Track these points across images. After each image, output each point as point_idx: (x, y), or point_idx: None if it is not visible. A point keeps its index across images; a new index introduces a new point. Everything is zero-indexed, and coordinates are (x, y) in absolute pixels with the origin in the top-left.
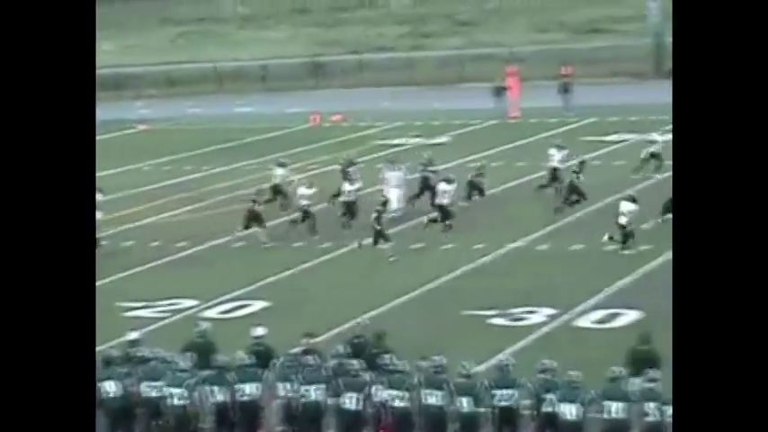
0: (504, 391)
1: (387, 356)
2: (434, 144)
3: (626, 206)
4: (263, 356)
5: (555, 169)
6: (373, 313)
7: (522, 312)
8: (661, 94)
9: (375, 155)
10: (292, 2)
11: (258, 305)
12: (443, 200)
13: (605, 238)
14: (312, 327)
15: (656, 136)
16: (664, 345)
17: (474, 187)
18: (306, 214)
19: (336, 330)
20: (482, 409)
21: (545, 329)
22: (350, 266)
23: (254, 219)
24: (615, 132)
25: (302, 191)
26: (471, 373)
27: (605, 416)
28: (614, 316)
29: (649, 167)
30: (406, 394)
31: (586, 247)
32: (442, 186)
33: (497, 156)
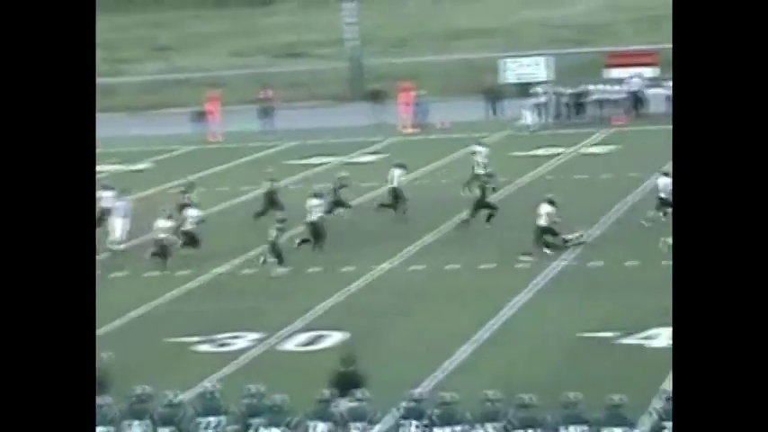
0: (211, 419)
1: None
2: (135, 171)
3: (545, 208)
4: None
5: (394, 189)
6: None
7: (227, 338)
8: (359, 116)
9: None
10: None
11: None
12: (313, 216)
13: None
14: None
15: (478, 148)
16: (368, 365)
17: (338, 202)
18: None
19: None
20: None
21: (250, 354)
22: None
23: None
24: (316, 155)
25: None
26: (176, 401)
27: None
28: (319, 338)
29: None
30: (110, 428)
31: (292, 270)
32: (312, 202)
33: (199, 181)
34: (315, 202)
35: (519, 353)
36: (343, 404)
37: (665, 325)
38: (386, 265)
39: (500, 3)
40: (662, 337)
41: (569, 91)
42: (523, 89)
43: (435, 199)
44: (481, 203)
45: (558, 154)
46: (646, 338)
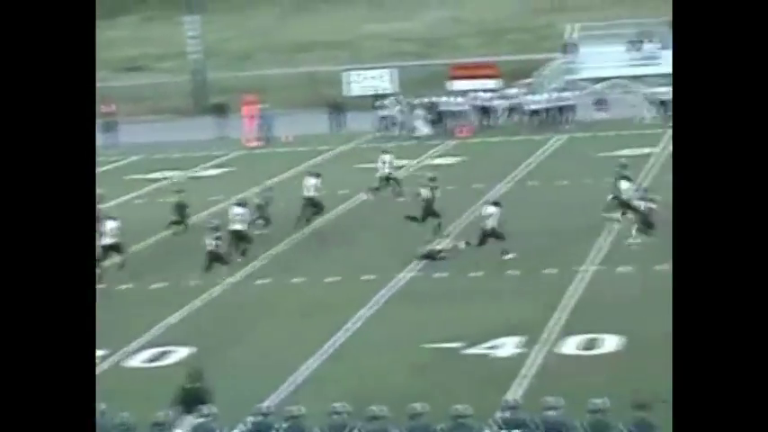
0: None
1: None
2: None
3: (489, 209)
4: None
5: (311, 198)
6: None
7: None
8: (203, 130)
9: None
10: None
11: None
12: (236, 225)
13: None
14: None
15: (386, 158)
16: (214, 380)
17: (262, 215)
18: None
19: None
20: None
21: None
22: None
23: None
24: (160, 170)
25: None
26: None
27: None
28: (165, 354)
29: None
30: None
31: (135, 287)
32: (235, 210)
33: None
34: (238, 210)
35: (366, 365)
36: (189, 421)
37: (509, 334)
38: (232, 279)
39: (344, 16)
40: (507, 347)
41: (417, 102)
42: (370, 101)
43: (281, 213)
44: (429, 210)
45: (403, 166)
46: (491, 348)
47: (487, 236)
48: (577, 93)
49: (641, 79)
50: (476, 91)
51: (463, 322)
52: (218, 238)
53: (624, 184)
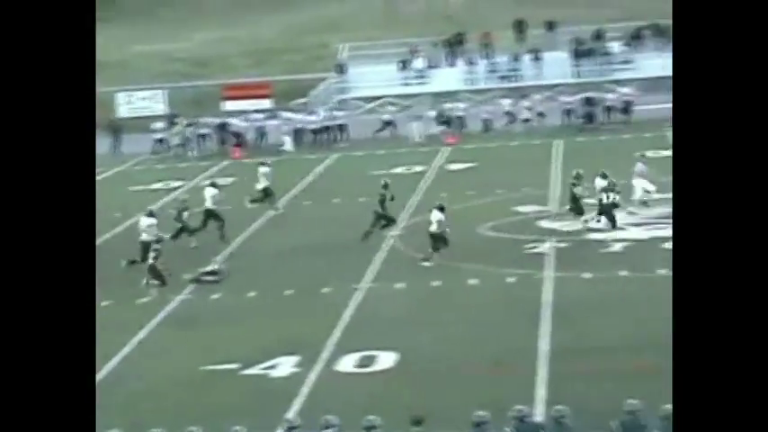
0: None
1: None
2: None
3: (436, 215)
4: None
5: (208, 209)
6: None
7: None
8: None
9: None
10: None
11: None
12: (144, 236)
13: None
14: None
15: (264, 169)
16: None
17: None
18: None
19: None
20: None
21: None
22: None
23: None
24: None
25: None
26: None
27: None
28: None
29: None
30: None
31: None
32: (145, 221)
33: None
34: (147, 221)
35: (141, 390)
36: None
37: (286, 354)
38: None
39: (113, 36)
40: (284, 366)
41: (202, 121)
42: (146, 122)
43: None
44: (381, 215)
45: (178, 187)
46: (268, 368)
47: (437, 240)
48: (349, 112)
49: (415, 98)
50: (249, 112)
51: (239, 343)
52: (157, 251)
53: (599, 182)
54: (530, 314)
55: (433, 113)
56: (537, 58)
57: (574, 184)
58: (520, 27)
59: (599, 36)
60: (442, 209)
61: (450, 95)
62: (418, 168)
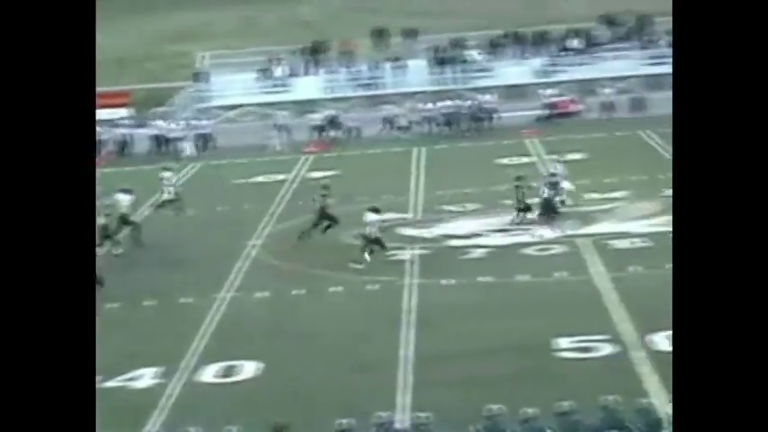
0: None
1: None
2: None
3: (370, 217)
4: None
5: (123, 215)
6: None
7: None
8: None
9: None
10: None
11: None
12: None
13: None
14: None
15: (167, 174)
16: None
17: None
18: None
19: None
20: None
21: None
22: None
23: None
24: None
25: None
26: None
27: None
28: None
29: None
30: None
31: None
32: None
33: None
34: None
35: None
36: None
37: (147, 365)
38: None
39: None
40: (145, 378)
41: None
42: None
43: None
44: (323, 215)
45: None
46: (129, 380)
47: (371, 243)
48: (212, 121)
49: (276, 106)
50: (114, 120)
51: (100, 355)
52: None
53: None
54: (392, 321)
55: (295, 122)
56: (398, 67)
57: (518, 187)
58: (380, 35)
59: (458, 44)
60: (376, 210)
61: (312, 104)
62: (280, 177)
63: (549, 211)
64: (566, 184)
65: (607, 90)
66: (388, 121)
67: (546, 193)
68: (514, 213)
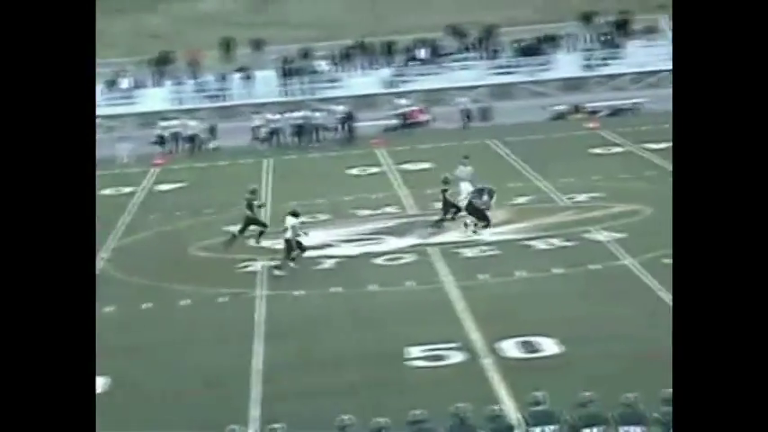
0: None
1: None
2: None
3: (290, 221)
4: None
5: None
6: None
7: None
8: None
9: None
10: None
11: None
12: None
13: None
14: None
15: None
16: None
17: None
18: None
19: None
20: None
21: None
22: None
23: None
24: None
25: None
26: None
27: None
28: None
29: None
30: None
31: None
32: None
33: None
34: None
35: None
36: None
37: None
38: None
39: None
40: None
41: None
42: None
43: None
44: (251, 220)
45: None
46: None
47: (293, 248)
48: None
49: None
50: None
51: None
52: None
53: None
54: (243, 333)
55: (140, 133)
56: (246, 77)
57: (445, 191)
58: (227, 46)
59: (306, 55)
60: (295, 214)
61: (159, 115)
62: (127, 190)
63: (476, 211)
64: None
65: (464, 99)
66: (255, 130)
67: (467, 194)
68: (441, 213)
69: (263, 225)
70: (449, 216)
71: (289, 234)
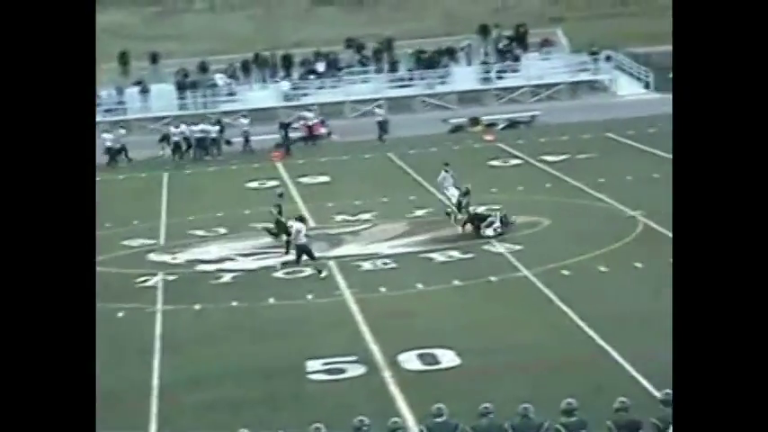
0: None
1: None
2: None
3: (297, 225)
4: None
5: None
6: None
7: None
8: None
9: None
10: None
11: None
12: None
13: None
14: None
15: None
16: None
17: None
18: None
19: None
20: None
21: None
22: None
23: None
24: None
25: None
26: None
27: None
28: None
29: None
30: None
31: None
32: None
33: None
34: None
35: None
36: None
37: None
38: None
39: None
40: None
41: None
42: None
43: None
44: (277, 223)
45: None
46: None
47: (302, 252)
48: None
49: None
50: None
51: None
52: None
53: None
54: (141, 348)
55: None
56: (142, 91)
57: (467, 203)
58: (123, 59)
59: (204, 68)
60: (302, 219)
61: None
62: None
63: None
64: (452, 191)
65: (381, 111)
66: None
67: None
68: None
69: (285, 231)
70: (485, 228)
71: (302, 239)
